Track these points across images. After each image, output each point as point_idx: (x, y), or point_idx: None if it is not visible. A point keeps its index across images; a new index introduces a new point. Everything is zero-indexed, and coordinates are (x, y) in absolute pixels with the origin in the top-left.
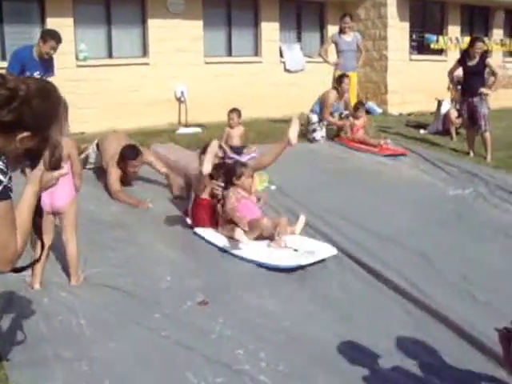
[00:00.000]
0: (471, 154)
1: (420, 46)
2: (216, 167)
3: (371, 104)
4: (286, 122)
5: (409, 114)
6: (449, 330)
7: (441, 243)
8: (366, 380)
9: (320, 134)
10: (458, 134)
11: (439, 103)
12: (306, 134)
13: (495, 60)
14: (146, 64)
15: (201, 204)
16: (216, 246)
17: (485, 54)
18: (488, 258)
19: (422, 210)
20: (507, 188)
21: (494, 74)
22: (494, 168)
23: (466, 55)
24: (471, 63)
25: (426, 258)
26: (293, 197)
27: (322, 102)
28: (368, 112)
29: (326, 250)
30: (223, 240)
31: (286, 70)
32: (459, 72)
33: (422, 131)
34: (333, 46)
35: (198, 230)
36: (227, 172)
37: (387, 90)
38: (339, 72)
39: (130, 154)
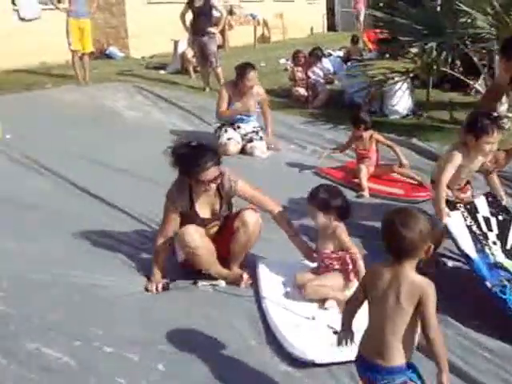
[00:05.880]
0: (207, 89)
1: None
2: None
3: (112, 49)
4: (25, 71)
5: (151, 57)
6: None
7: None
8: None
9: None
10: (196, 72)
11: (176, 44)
12: None
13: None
14: None
15: None
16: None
17: None
18: None
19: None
20: None
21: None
22: None
23: None
24: (198, 4)
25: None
26: (30, 143)
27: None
28: (111, 57)
29: None
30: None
31: (21, 18)
32: None
33: (161, 72)
34: None
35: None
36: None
37: (127, 34)
38: (73, 19)
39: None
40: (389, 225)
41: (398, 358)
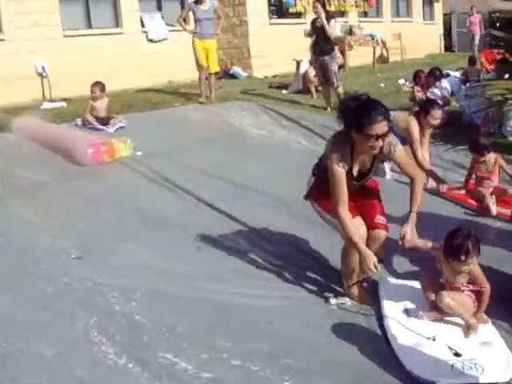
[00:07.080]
0: (328, 108)
1: (279, 10)
2: None
3: (236, 69)
4: (153, 90)
5: (273, 76)
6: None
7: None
8: None
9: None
10: (318, 91)
11: (298, 63)
12: None
13: (351, 20)
14: (1, 40)
15: None
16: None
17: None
18: None
19: (280, 161)
20: None
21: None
22: None
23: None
24: (318, 24)
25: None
26: (159, 160)
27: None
28: (235, 77)
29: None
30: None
31: (149, 40)
32: None
33: (284, 91)
34: (192, 13)
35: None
36: None
37: (250, 54)
38: (198, 40)
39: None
40: None
41: None
